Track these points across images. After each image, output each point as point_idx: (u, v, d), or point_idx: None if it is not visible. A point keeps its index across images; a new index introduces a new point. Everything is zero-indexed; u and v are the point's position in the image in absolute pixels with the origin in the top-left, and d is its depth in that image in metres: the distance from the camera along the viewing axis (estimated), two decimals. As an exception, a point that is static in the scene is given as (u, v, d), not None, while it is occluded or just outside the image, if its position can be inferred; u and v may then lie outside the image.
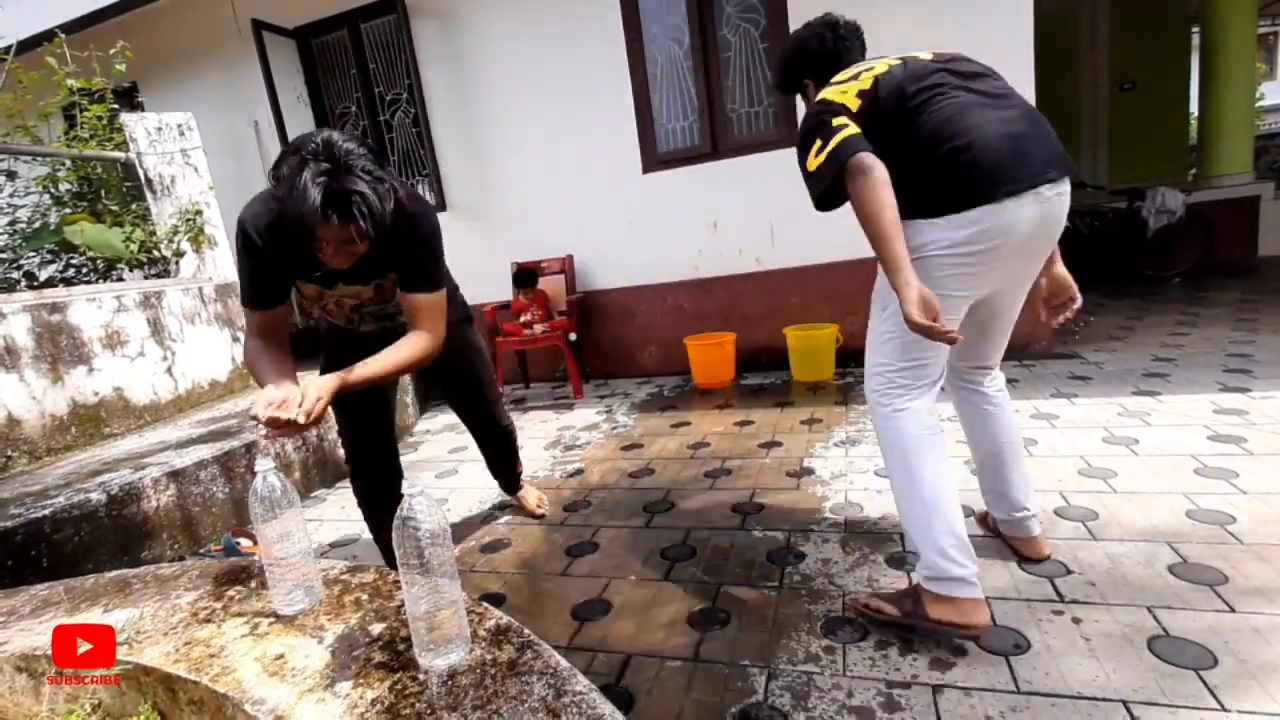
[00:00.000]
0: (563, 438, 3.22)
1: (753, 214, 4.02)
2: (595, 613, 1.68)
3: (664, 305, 4.29)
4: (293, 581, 1.16)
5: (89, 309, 2.90)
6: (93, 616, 1.21)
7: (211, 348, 3.56)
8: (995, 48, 3.43)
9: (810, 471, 2.42)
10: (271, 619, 1.13)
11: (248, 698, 0.90)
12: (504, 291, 4.47)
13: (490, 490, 2.64)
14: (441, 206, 4.65)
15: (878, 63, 1.46)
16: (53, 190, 3.90)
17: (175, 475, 2.30)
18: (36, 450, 2.63)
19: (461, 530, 2.30)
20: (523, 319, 4.13)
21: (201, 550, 2.29)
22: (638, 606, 1.68)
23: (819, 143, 1.33)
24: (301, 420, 1.27)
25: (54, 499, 2.05)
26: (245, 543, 2.33)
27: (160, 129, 4.02)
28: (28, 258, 3.83)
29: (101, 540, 2.08)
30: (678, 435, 3.06)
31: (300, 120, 4.79)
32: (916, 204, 1.32)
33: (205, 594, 1.24)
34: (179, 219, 3.98)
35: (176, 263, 4.10)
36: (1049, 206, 1.33)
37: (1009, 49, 3.42)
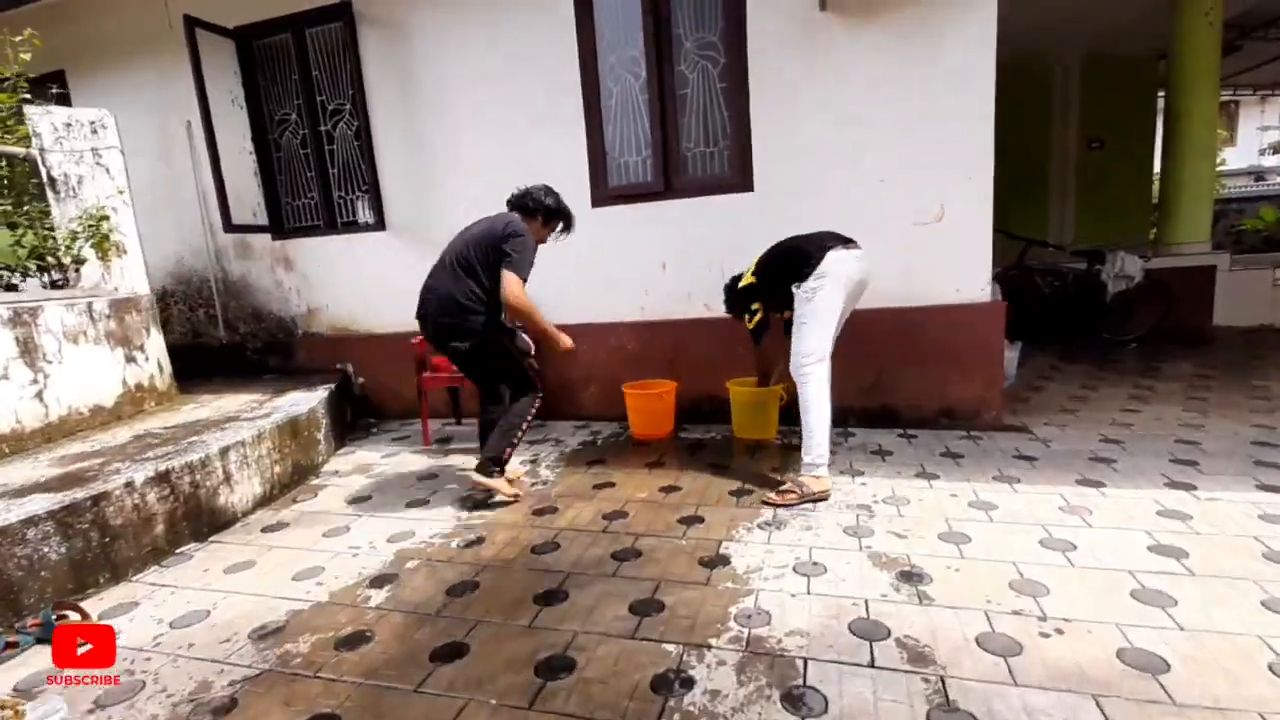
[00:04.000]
0: (474, 494, 2.96)
1: (702, 257, 3.84)
2: (437, 752, 1.43)
3: (608, 345, 4.07)
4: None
5: (-60, 327, 2.58)
6: None
7: (97, 370, 3.24)
8: (954, 112, 3.32)
9: (725, 561, 2.20)
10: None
11: None
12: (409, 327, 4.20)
13: (374, 562, 2.37)
14: (380, 225, 4.39)
15: None
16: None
17: (-4, 534, 1.99)
18: None
19: (320, 617, 2.02)
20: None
21: (16, 625, 1.98)
22: (488, 746, 1.43)
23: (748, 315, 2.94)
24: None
25: None
26: (72, 616, 2.03)
27: (70, 125, 3.71)
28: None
29: (-116, 615, 1.77)
30: (598, 499, 2.82)
31: (235, 123, 4.50)
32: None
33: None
34: (81, 223, 3.66)
35: (76, 270, 3.77)
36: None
37: (972, 110, 3.29)
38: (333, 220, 4.56)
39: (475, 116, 4.11)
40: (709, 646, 1.74)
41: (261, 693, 1.66)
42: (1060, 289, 5.77)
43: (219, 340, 4.88)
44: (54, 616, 1.98)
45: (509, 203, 3.00)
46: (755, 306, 2.98)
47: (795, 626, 1.80)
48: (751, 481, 2.91)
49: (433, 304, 2.82)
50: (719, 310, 3.85)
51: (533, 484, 3.07)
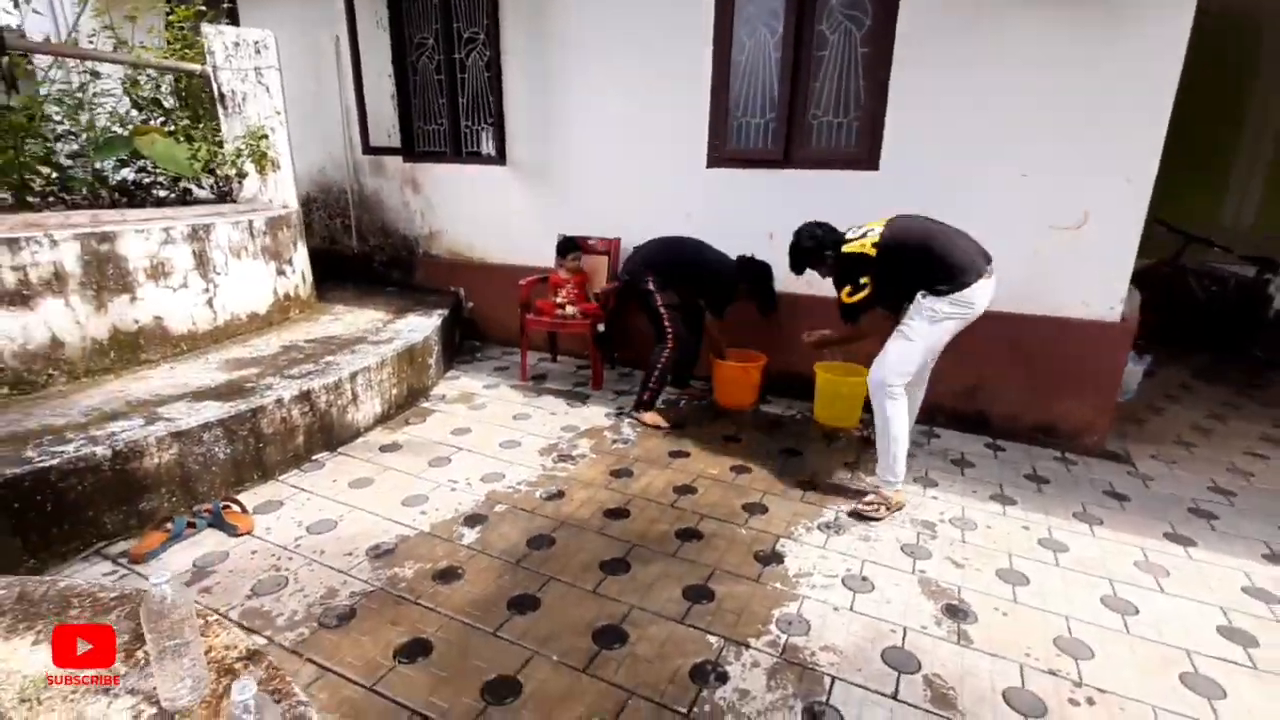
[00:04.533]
0: (560, 443, 3.23)
1: (811, 233, 3.75)
2: (503, 695, 1.72)
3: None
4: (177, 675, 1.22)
5: (137, 240, 3.03)
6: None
7: (255, 281, 3.69)
8: (1125, 105, 2.97)
9: (779, 559, 2.35)
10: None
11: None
12: (545, 259, 4.40)
13: (468, 500, 2.70)
14: (500, 159, 4.55)
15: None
16: (134, 95, 4.02)
17: (179, 435, 2.45)
18: (75, 371, 2.85)
19: (422, 547, 2.38)
20: (558, 298, 4.08)
21: (194, 508, 2.47)
22: (544, 700, 1.71)
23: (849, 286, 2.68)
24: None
25: (65, 445, 2.23)
26: (234, 507, 2.49)
27: (238, 44, 4.03)
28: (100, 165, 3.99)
29: (104, 491, 2.27)
30: (671, 469, 3.02)
31: (378, 45, 4.70)
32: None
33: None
34: (245, 140, 4.05)
35: (239, 183, 4.21)
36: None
37: (1147, 106, 2.94)
38: (458, 149, 4.76)
39: (601, 59, 4.08)
40: (748, 645, 1.92)
41: (374, 609, 2.03)
42: (1218, 295, 5.16)
43: (351, 249, 5.34)
44: (220, 505, 2.45)
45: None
46: (865, 281, 2.62)
47: (831, 642, 1.95)
48: (823, 474, 3.00)
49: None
50: (823, 289, 3.80)
51: (613, 440, 3.30)
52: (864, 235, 2.67)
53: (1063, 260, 3.23)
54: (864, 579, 2.25)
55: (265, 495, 2.66)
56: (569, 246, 4.13)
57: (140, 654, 1.26)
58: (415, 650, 1.86)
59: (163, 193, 4.21)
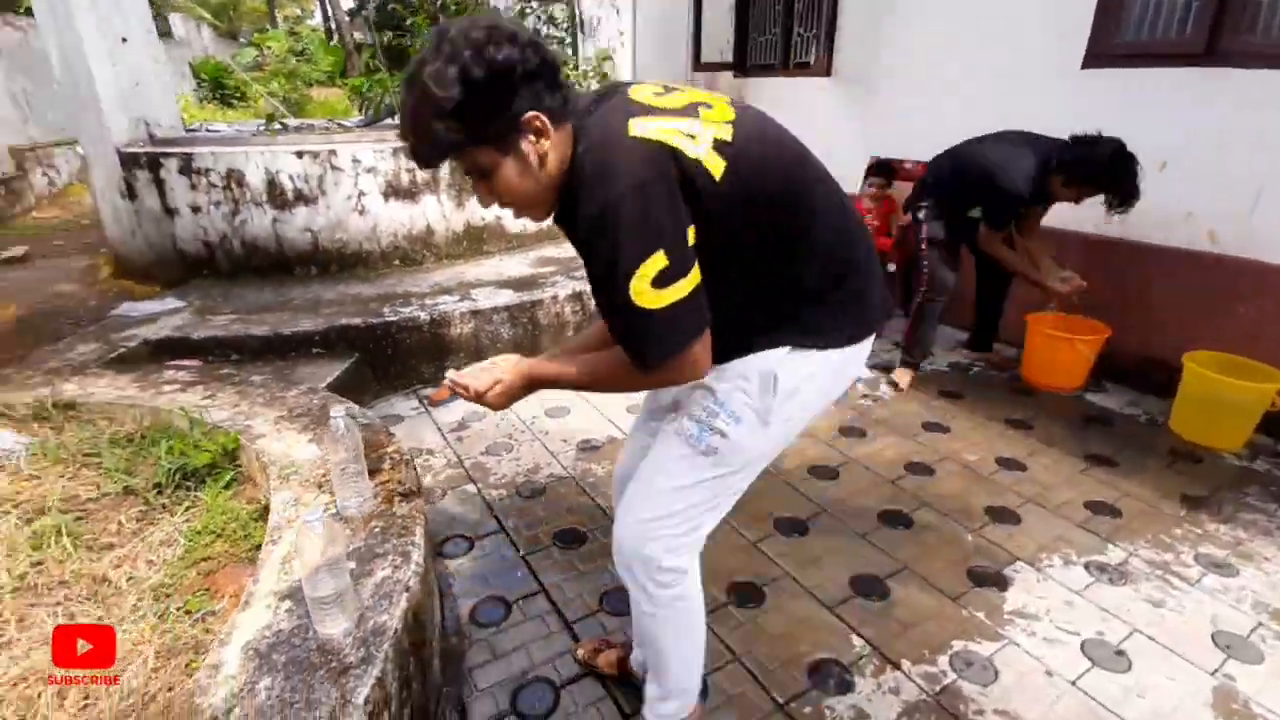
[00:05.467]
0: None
1: (1234, 164, 2.57)
2: (614, 606, 1.76)
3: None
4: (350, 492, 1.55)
5: (489, 151, 3.69)
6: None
7: (576, 191, 4.19)
8: None
9: (1000, 585, 1.83)
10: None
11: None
12: (850, 185, 3.95)
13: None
14: (826, 69, 4.15)
15: None
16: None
17: (476, 313, 3.01)
18: (439, 254, 3.69)
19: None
20: (851, 228, 3.67)
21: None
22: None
23: None
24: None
25: (407, 308, 2.95)
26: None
27: (596, -32, 4.41)
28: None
29: (423, 346, 2.95)
30: (915, 442, 2.55)
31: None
32: None
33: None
34: (592, 62, 4.50)
35: (585, 102, 4.73)
36: None
37: None
38: (787, 60, 4.49)
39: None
40: (897, 665, 1.59)
41: (560, 493, 2.26)
42: None
43: (681, 167, 5.61)
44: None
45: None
46: None
47: (1015, 710, 1.47)
48: (1137, 499, 2.19)
49: None
50: (1232, 248, 2.64)
51: (862, 396, 2.92)
52: None
53: None
54: (1120, 653, 1.61)
55: (533, 375, 3.13)
56: (876, 169, 3.63)
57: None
58: (570, 538, 2.03)
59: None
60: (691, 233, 0.95)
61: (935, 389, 2.97)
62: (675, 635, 1.24)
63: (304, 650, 1.16)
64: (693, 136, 0.96)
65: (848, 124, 4.11)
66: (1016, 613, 1.74)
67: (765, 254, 1.03)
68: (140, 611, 1.35)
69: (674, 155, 0.94)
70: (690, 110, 1.00)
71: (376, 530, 1.49)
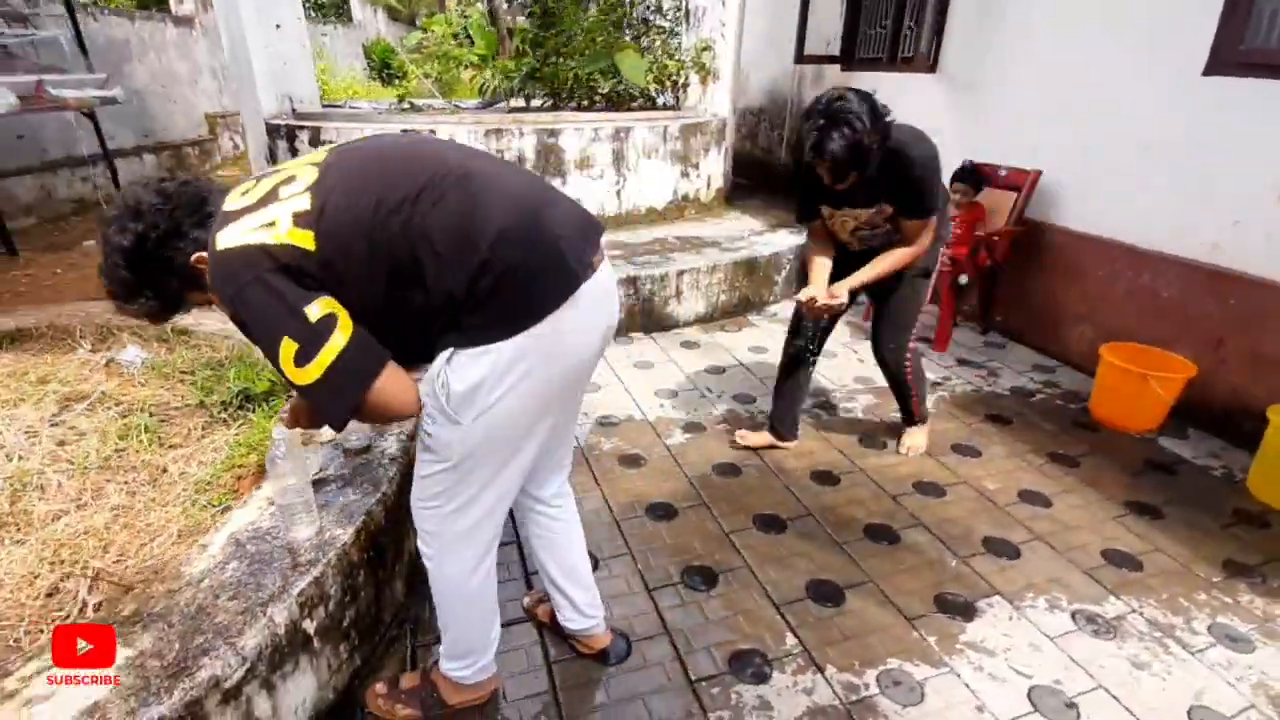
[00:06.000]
0: (837, 391, 2.95)
1: (1373, 192, 2.19)
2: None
3: (1134, 281, 2.94)
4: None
5: (574, 137, 3.90)
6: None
7: (658, 180, 4.30)
8: None
9: (967, 615, 1.76)
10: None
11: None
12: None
13: (707, 411, 2.79)
14: (931, 65, 3.93)
15: None
16: (618, 16, 4.85)
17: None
18: (520, 230, 3.96)
19: (634, 433, 2.62)
20: (928, 235, 3.49)
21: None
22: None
23: None
24: (828, 303, 2.08)
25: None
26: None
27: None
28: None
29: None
30: (937, 461, 2.45)
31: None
32: None
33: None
34: (691, 53, 4.56)
35: (684, 92, 4.81)
36: None
37: None
38: (894, 54, 4.29)
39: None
40: (822, 670, 1.60)
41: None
42: None
43: (779, 161, 5.53)
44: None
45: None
46: None
47: (928, 735, 1.45)
48: (1173, 555, 1.98)
49: None
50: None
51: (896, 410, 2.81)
52: None
53: None
54: (1071, 705, 1.52)
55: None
56: (964, 175, 3.42)
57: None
58: (558, 501, 2.19)
59: (636, 101, 5.13)
60: (324, 303, 1.02)
61: (983, 412, 2.80)
62: (443, 603, 1.36)
63: (271, 546, 1.41)
64: (272, 224, 1.02)
65: (950, 124, 3.88)
66: (971, 644, 1.68)
67: (402, 284, 1.05)
68: (181, 499, 1.69)
69: (262, 250, 1.00)
70: (269, 198, 1.06)
71: (363, 461, 1.73)
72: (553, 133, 3.85)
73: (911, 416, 2.49)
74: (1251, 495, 2.29)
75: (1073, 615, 1.77)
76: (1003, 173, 3.41)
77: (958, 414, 2.78)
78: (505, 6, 15.30)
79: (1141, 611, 1.79)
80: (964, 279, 3.27)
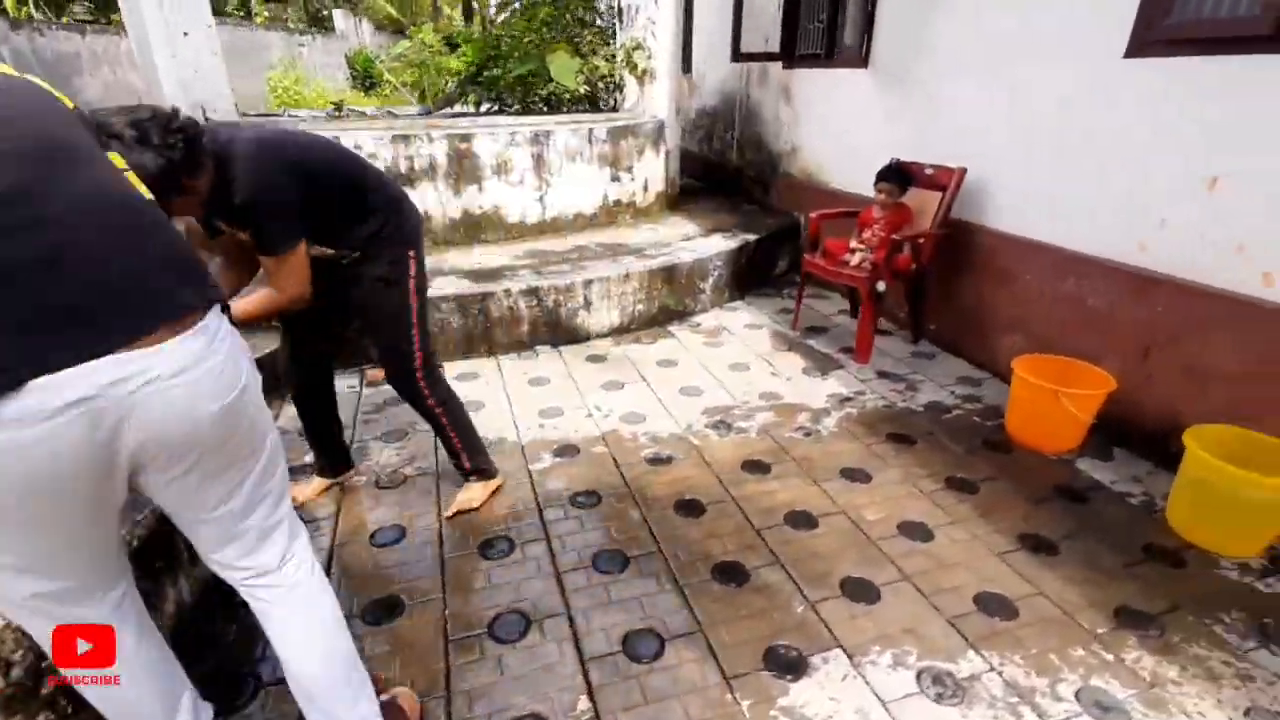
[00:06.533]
0: (739, 409, 2.74)
1: (1301, 185, 1.95)
2: (385, 611, 1.72)
3: (1059, 286, 2.70)
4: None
5: (488, 142, 3.73)
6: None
7: (585, 185, 4.11)
8: None
9: (795, 672, 1.54)
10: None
11: None
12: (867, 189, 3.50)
13: (594, 430, 2.60)
14: (862, 59, 3.71)
15: None
16: (549, 16, 4.70)
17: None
18: (437, 240, 3.80)
19: (514, 458, 2.43)
20: (853, 243, 3.27)
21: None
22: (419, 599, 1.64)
23: None
24: None
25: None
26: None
27: (639, -47, 4.27)
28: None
29: (372, 328, 3.05)
30: (823, 486, 2.22)
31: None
32: None
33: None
34: (621, 51, 4.38)
35: (620, 94, 4.63)
36: None
37: None
38: (831, 49, 4.07)
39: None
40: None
41: (432, 484, 2.24)
42: None
43: (731, 162, 5.32)
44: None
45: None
46: None
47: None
48: (1060, 604, 1.75)
49: None
50: None
51: (798, 427, 2.59)
52: None
53: None
54: (884, 786, 1.30)
55: (474, 368, 3.12)
56: (888, 174, 3.19)
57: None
58: (390, 538, 2.01)
59: (580, 105, 4.97)
60: None
61: (887, 431, 2.57)
62: None
63: None
64: None
65: (880, 122, 3.66)
66: (788, 711, 1.46)
67: None
68: None
69: None
70: None
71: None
72: (465, 138, 3.69)
73: (462, 468, 2.09)
74: (1169, 528, 2.03)
75: (918, 675, 1.54)
76: (928, 171, 3.18)
77: (859, 434, 2.55)
78: (491, 13, 15.35)
79: (1001, 670, 1.55)
80: (881, 286, 3.03)
